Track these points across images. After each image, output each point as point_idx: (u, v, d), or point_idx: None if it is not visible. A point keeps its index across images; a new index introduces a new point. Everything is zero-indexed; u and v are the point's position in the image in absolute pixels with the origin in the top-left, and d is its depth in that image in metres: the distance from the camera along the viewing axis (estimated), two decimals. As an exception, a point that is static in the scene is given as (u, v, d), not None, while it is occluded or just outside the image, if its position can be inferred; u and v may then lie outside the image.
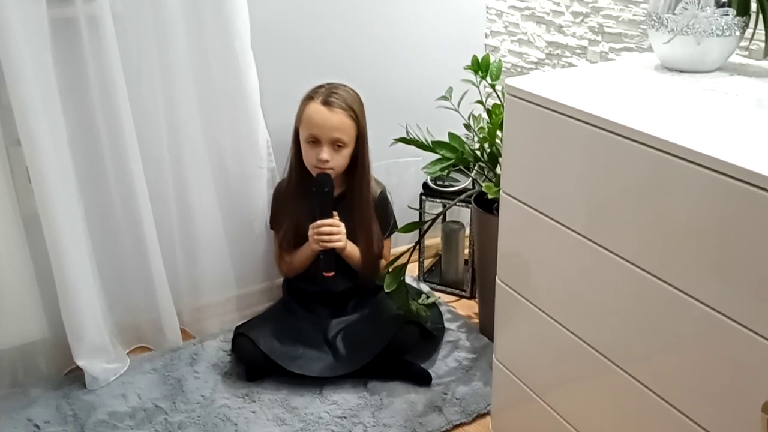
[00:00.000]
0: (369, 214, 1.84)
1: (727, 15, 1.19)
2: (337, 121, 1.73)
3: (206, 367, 1.80)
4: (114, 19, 1.57)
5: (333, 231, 1.76)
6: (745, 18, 1.21)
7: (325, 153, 1.74)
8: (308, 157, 1.78)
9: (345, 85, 1.80)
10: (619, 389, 1.14)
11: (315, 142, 1.75)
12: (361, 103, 1.80)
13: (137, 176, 1.70)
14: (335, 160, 1.76)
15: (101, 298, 1.76)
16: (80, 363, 1.72)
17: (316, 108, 1.74)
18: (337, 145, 1.75)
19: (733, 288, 0.92)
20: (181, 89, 1.72)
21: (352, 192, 1.83)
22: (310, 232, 1.78)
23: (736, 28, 1.20)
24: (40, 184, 1.57)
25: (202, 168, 1.82)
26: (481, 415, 1.64)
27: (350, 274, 1.86)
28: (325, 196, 1.76)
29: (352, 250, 1.83)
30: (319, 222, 1.76)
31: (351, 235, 1.82)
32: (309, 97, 1.77)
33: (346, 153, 1.77)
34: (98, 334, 1.73)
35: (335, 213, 1.79)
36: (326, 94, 1.75)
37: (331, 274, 1.78)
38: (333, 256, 1.79)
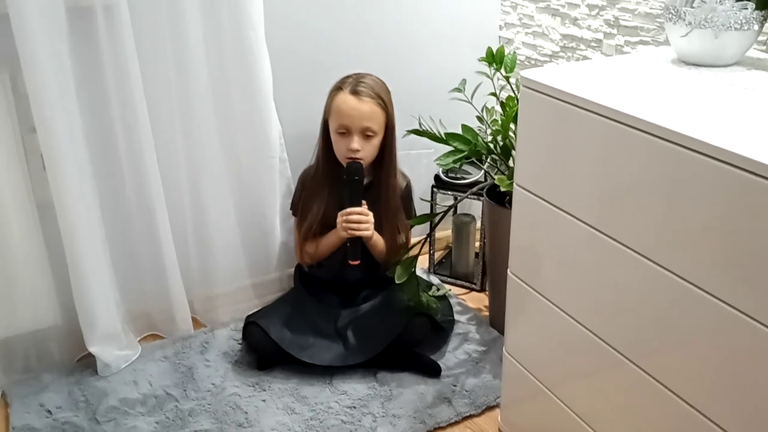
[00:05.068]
0: (396, 203, 1.85)
1: (746, 9, 1.18)
2: (367, 110, 1.74)
3: (217, 356, 1.81)
4: (129, 8, 1.58)
5: (362, 219, 1.76)
6: (764, 12, 1.20)
7: (356, 143, 1.74)
8: (338, 147, 1.78)
9: (371, 75, 1.80)
10: (630, 383, 1.14)
11: (345, 132, 1.75)
12: (388, 92, 1.80)
13: (151, 164, 1.71)
14: (365, 150, 1.76)
15: (114, 286, 1.77)
16: (92, 350, 1.73)
17: (345, 98, 1.74)
18: (366, 134, 1.75)
19: (745, 282, 0.92)
20: (195, 79, 1.73)
21: (379, 181, 1.84)
22: (338, 220, 1.78)
23: (754, 22, 1.19)
24: (54, 171, 1.58)
25: (214, 157, 1.82)
26: (490, 408, 1.64)
27: (364, 264, 1.86)
28: (356, 184, 1.77)
29: (378, 239, 1.83)
30: (348, 210, 1.77)
31: (377, 225, 1.82)
32: (337, 88, 1.78)
33: (375, 142, 1.77)
34: (110, 321, 1.74)
35: (364, 202, 1.79)
36: (354, 83, 1.76)
37: (357, 262, 1.78)
38: (360, 245, 1.79)
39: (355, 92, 1.74)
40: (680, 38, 1.24)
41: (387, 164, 1.82)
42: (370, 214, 1.79)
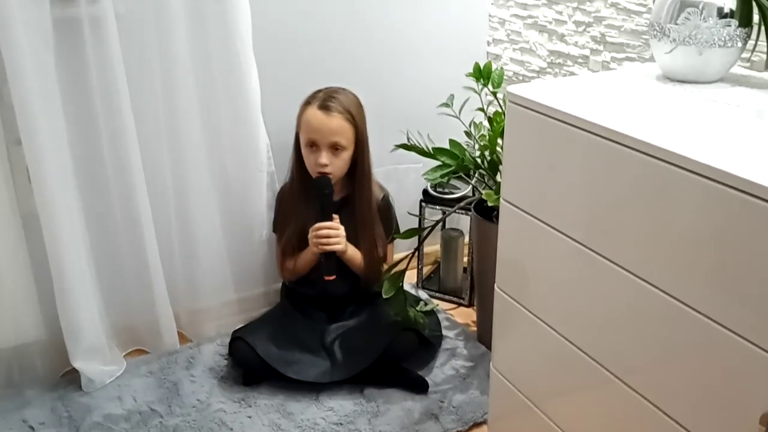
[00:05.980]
0: (371, 217, 1.84)
1: (730, 26, 1.19)
2: (335, 125, 1.74)
3: (203, 371, 1.80)
4: (117, 20, 1.58)
5: (331, 234, 1.76)
6: (747, 29, 1.21)
7: (324, 157, 1.74)
8: (308, 161, 1.78)
9: (344, 89, 1.81)
10: (616, 399, 1.14)
11: (314, 146, 1.75)
12: (359, 106, 1.80)
13: (137, 177, 1.70)
14: (334, 164, 1.76)
15: (98, 300, 1.75)
16: (76, 365, 1.71)
17: (314, 113, 1.74)
18: (335, 148, 1.75)
19: (731, 298, 0.92)
20: (183, 91, 1.73)
21: (353, 195, 1.83)
22: (309, 235, 1.77)
23: (738, 39, 1.20)
24: (39, 183, 1.57)
25: (201, 170, 1.82)
26: (477, 424, 1.63)
27: (350, 279, 1.85)
28: (325, 198, 1.76)
29: (354, 253, 1.82)
30: (317, 225, 1.76)
31: (354, 239, 1.82)
32: (307, 102, 1.78)
33: (345, 156, 1.77)
34: (95, 335, 1.73)
35: (336, 216, 1.78)
36: (323, 98, 1.76)
37: (332, 277, 1.77)
38: (334, 260, 1.78)
39: (323, 107, 1.74)
40: (665, 55, 1.25)
41: (360, 178, 1.82)
42: (341, 228, 1.78)
